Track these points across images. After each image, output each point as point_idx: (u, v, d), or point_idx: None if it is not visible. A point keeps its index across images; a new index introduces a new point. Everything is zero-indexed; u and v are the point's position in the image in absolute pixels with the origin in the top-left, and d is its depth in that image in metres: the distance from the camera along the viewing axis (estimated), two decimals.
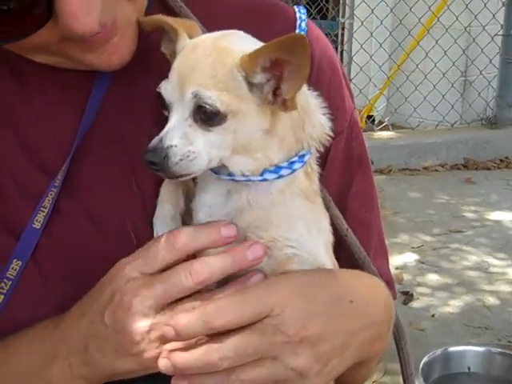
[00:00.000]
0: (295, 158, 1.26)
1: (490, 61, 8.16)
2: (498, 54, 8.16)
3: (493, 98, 8.29)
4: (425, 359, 3.20)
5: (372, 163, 1.62)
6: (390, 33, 8.07)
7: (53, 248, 1.38)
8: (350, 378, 1.42)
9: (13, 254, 1.35)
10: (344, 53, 8.54)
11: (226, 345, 1.13)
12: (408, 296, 4.77)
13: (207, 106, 1.14)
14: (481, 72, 8.21)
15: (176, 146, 1.15)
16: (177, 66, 1.21)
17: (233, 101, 1.16)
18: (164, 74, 1.24)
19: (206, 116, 1.16)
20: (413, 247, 5.58)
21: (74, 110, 1.40)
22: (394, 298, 1.58)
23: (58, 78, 1.40)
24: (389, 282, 1.50)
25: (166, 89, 1.19)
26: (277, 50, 1.13)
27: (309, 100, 1.29)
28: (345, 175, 1.52)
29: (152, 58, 1.37)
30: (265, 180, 1.24)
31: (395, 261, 5.21)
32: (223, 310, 1.14)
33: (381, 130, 7.98)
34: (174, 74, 1.20)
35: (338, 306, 1.23)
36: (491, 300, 4.81)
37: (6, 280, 1.34)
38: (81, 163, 1.39)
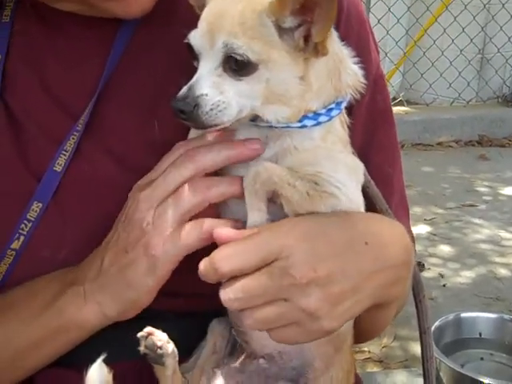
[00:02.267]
0: (333, 105, 1.26)
1: (509, 39, 8.12)
2: None
3: (510, 76, 8.26)
4: (436, 324, 3.19)
5: None
6: (408, 8, 8.01)
7: (74, 190, 1.39)
8: (369, 322, 1.42)
9: (33, 196, 1.36)
10: None
11: (236, 286, 1.15)
12: (419, 266, 4.76)
13: (238, 57, 1.13)
14: (498, 50, 8.16)
15: (207, 95, 1.14)
16: (206, 14, 1.19)
17: (263, 49, 1.15)
18: (191, 25, 1.23)
19: (237, 65, 1.15)
20: (425, 219, 5.57)
21: (99, 54, 1.41)
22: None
23: (83, 24, 1.41)
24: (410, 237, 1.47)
25: (195, 38, 1.18)
26: None
27: (341, 48, 1.29)
28: (368, 128, 1.52)
29: (179, 7, 1.37)
30: (304, 126, 1.23)
31: None
32: (229, 257, 1.15)
33: (395, 105, 7.93)
34: (202, 22, 1.19)
35: (351, 247, 1.21)
36: (503, 272, 4.81)
37: (26, 222, 1.36)
38: (104, 107, 1.40)
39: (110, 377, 1.23)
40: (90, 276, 1.30)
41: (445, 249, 5.13)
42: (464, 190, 6.25)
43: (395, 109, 7.76)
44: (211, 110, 1.14)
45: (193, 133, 1.33)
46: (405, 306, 1.61)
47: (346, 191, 1.24)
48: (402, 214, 1.56)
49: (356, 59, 1.31)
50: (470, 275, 4.76)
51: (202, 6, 1.25)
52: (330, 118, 1.26)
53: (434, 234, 5.33)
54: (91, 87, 1.39)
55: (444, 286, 4.60)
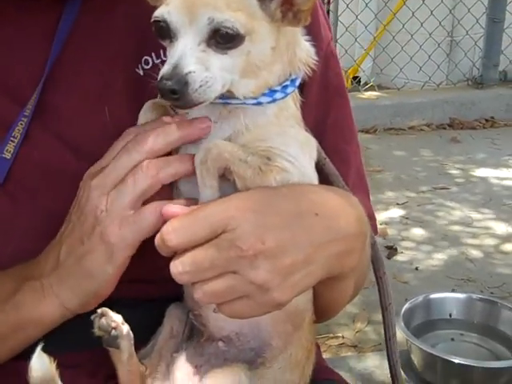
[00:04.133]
0: (288, 82, 1.25)
1: (477, 21, 8.11)
2: (485, 14, 8.10)
3: (479, 59, 8.24)
4: (406, 306, 3.19)
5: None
6: None
7: (24, 177, 1.37)
8: (327, 297, 1.41)
9: None
10: (330, 13, 8.48)
11: (184, 259, 1.14)
12: (392, 250, 4.77)
13: (228, 30, 1.11)
14: (467, 32, 8.16)
15: (194, 72, 1.12)
16: None
17: (248, 20, 1.13)
18: (137, 4, 1.23)
19: (223, 39, 1.13)
20: (398, 203, 5.57)
21: (45, 38, 1.39)
22: (375, 233, 1.57)
23: (28, 8, 1.38)
24: (370, 216, 1.46)
25: (171, 15, 1.14)
26: None
27: None
28: (321, 106, 1.51)
29: None
30: (259, 103, 1.22)
31: (380, 217, 5.19)
32: (177, 230, 1.14)
33: (367, 90, 7.94)
34: None
35: (300, 218, 1.19)
36: (474, 253, 4.82)
37: None
38: (52, 93, 1.38)
39: (52, 366, 1.21)
40: (47, 269, 1.29)
41: (417, 232, 5.13)
42: (436, 173, 6.25)
43: (367, 94, 7.79)
44: (200, 86, 1.12)
45: (142, 119, 1.31)
46: (366, 284, 1.61)
47: (298, 165, 1.24)
48: (360, 191, 1.55)
49: (306, 36, 1.30)
50: (442, 257, 4.76)
51: None
52: (286, 95, 1.25)
53: (407, 218, 5.33)
54: (38, 73, 1.37)
55: (416, 269, 4.60)
